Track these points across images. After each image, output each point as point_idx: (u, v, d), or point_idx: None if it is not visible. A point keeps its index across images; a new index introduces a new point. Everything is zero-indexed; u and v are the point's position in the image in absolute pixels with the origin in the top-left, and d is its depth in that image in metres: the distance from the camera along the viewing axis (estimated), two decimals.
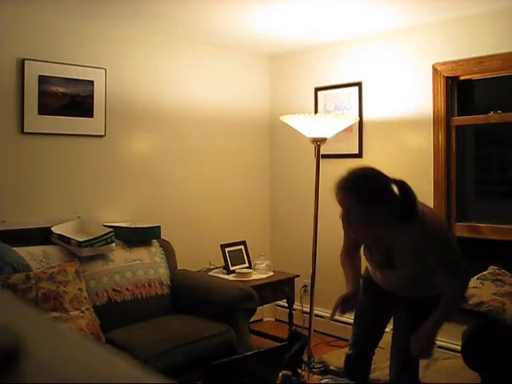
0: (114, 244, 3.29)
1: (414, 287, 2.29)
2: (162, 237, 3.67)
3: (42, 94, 3.40)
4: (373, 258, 2.32)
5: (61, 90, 3.49)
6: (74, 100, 3.55)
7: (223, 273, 3.89)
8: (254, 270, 3.96)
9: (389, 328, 3.84)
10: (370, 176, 2.04)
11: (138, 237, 3.52)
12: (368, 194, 1.97)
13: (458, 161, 3.65)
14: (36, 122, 3.39)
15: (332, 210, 4.20)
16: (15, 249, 2.96)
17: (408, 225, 2.05)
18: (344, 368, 2.60)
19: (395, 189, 2.00)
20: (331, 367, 3.38)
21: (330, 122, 3.49)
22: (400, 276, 2.26)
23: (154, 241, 3.62)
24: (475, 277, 3.00)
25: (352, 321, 4.13)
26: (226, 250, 3.97)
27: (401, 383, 2.34)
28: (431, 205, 3.68)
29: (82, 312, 2.86)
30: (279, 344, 2.92)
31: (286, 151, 4.63)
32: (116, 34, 3.77)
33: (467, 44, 3.47)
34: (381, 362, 3.28)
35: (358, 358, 2.55)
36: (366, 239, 2.29)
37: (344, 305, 2.36)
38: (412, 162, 3.81)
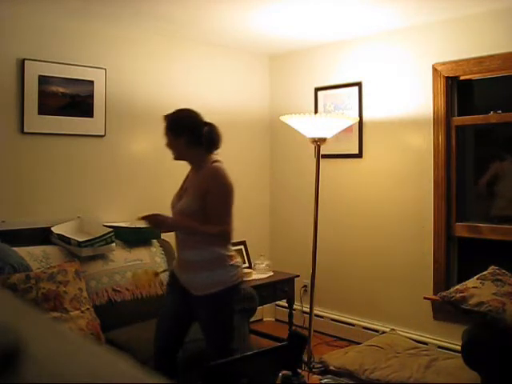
0: (113, 244, 3.29)
1: (192, 255, 2.42)
2: (161, 237, 3.67)
3: (42, 93, 3.40)
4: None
5: (61, 90, 3.49)
6: (74, 100, 3.55)
7: None
8: (254, 270, 3.96)
9: (386, 327, 3.85)
10: (181, 111, 2.54)
11: (138, 237, 3.52)
12: (175, 122, 2.48)
13: (457, 161, 3.66)
14: (36, 122, 3.39)
15: (332, 210, 4.21)
16: (15, 249, 2.96)
17: (204, 165, 2.46)
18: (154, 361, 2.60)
19: (205, 128, 2.51)
20: (331, 367, 3.38)
21: (329, 122, 3.49)
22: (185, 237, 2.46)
23: (154, 241, 3.62)
24: (475, 277, 3.00)
25: (352, 321, 4.15)
26: None
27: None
28: (431, 205, 3.69)
29: (82, 312, 2.86)
30: (279, 344, 2.92)
31: (286, 151, 4.63)
32: (116, 34, 3.77)
33: (467, 44, 3.47)
34: (381, 362, 3.29)
35: (161, 352, 2.58)
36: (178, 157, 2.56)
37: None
38: (412, 162, 3.81)
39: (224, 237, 2.41)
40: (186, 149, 2.47)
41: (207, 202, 2.36)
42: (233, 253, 2.51)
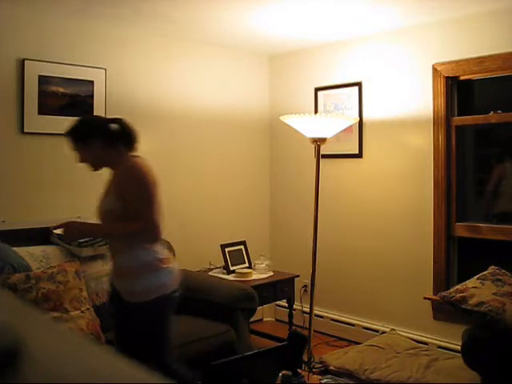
0: None
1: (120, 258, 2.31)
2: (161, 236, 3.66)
3: (42, 94, 3.40)
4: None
5: (61, 90, 3.49)
6: (74, 100, 3.55)
7: (223, 273, 3.89)
8: (254, 269, 3.96)
9: (386, 327, 3.86)
10: (82, 119, 2.36)
11: None
12: (81, 131, 2.29)
13: (457, 161, 3.66)
14: (36, 121, 3.39)
15: (332, 211, 4.21)
16: (15, 249, 2.96)
17: (123, 164, 2.29)
18: None
19: (113, 125, 2.31)
20: (331, 367, 3.38)
21: (329, 122, 3.49)
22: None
23: None
24: (475, 277, 3.00)
25: (352, 321, 4.15)
26: (226, 249, 3.97)
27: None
28: (431, 205, 3.69)
29: (82, 312, 2.86)
30: (279, 344, 2.92)
31: (286, 151, 4.63)
32: (116, 34, 3.77)
33: (467, 44, 3.47)
34: (381, 362, 3.29)
35: None
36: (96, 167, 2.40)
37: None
38: (412, 162, 3.81)
39: (149, 233, 2.24)
40: (102, 153, 2.29)
41: (127, 200, 2.21)
42: (166, 256, 2.34)
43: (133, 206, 2.21)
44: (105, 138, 2.28)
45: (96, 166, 2.36)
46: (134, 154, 2.35)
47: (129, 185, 2.24)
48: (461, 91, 3.65)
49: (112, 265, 2.40)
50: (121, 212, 2.22)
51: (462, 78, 3.58)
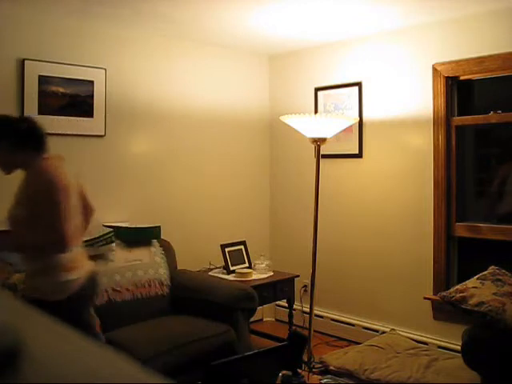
0: (113, 244, 3.29)
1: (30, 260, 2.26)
2: (162, 237, 3.67)
3: (42, 93, 3.40)
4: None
5: (61, 90, 3.49)
6: (74, 100, 3.55)
7: (223, 273, 3.89)
8: (254, 270, 3.96)
9: (386, 327, 3.86)
10: None
11: (138, 237, 3.52)
12: None
13: (457, 161, 3.66)
14: None
15: (332, 211, 4.21)
16: None
17: (32, 168, 2.19)
18: None
19: (22, 125, 2.20)
20: (331, 367, 3.38)
21: (329, 122, 3.49)
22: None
23: (154, 241, 3.62)
24: (475, 277, 3.00)
25: (352, 321, 4.15)
26: (226, 249, 3.97)
27: None
28: (431, 205, 3.69)
29: None
30: (279, 344, 2.92)
31: (286, 151, 4.63)
32: (116, 34, 3.77)
33: (467, 44, 3.47)
34: (381, 362, 3.29)
35: None
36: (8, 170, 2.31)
37: None
38: (412, 162, 3.81)
39: (58, 244, 2.14)
40: (12, 155, 2.19)
41: (35, 208, 2.13)
42: (72, 264, 2.24)
43: (41, 215, 2.13)
44: (12, 138, 2.17)
45: (7, 169, 2.28)
46: (46, 155, 2.26)
47: (36, 193, 2.15)
48: (461, 91, 3.65)
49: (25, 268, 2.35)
50: (27, 219, 2.15)
51: (462, 78, 3.58)
